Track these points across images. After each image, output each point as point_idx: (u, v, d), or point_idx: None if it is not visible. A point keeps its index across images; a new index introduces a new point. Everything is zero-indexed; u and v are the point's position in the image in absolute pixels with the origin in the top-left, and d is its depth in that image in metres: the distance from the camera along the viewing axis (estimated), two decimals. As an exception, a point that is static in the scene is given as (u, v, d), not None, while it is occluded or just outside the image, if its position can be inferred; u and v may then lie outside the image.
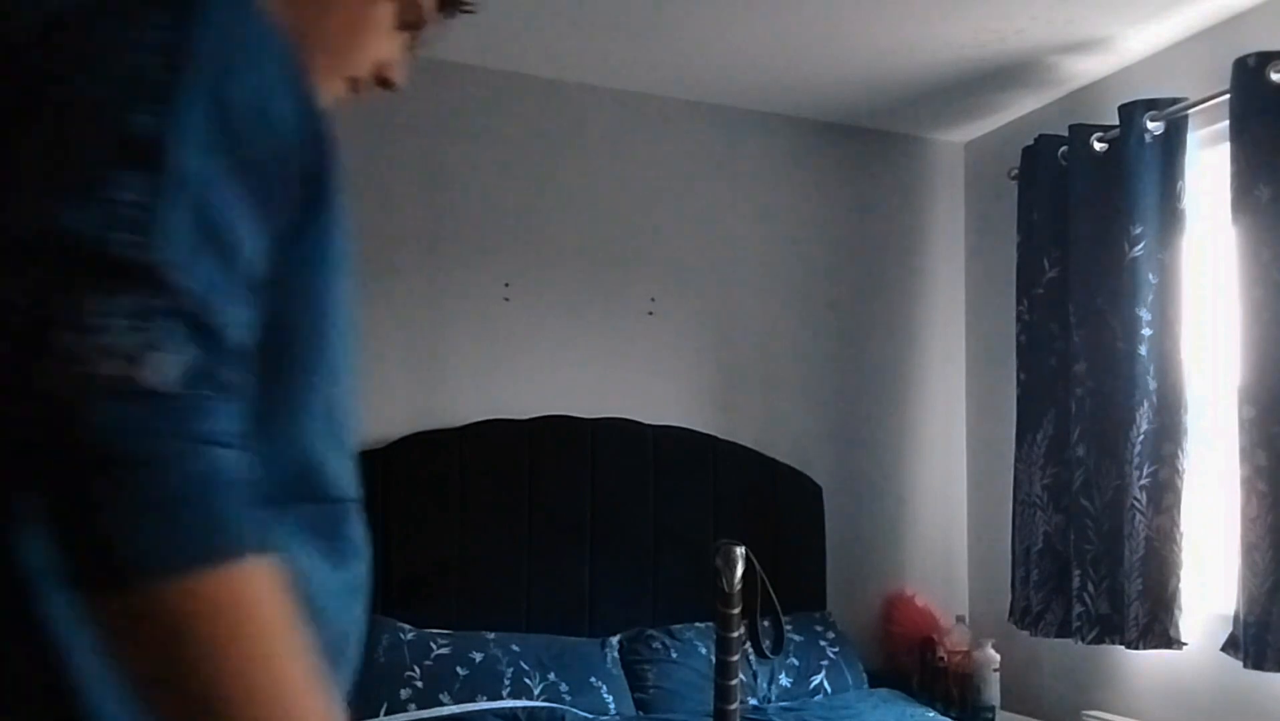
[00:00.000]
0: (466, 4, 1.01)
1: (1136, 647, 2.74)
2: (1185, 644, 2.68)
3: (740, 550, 1.21)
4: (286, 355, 0.75)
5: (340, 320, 0.78)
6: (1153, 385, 2.76)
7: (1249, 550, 2.46)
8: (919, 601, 3.47)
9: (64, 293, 0.59)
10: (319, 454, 0.77)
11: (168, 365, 0.60)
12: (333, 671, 0.77)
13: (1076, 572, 2.89)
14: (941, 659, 3.30)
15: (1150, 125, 2.80)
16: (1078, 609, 2.89)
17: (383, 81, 0.97)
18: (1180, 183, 2.77)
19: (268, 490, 0.71)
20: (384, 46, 0.94)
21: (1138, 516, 2.74)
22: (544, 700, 2.68)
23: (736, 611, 1.22)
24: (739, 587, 1.21)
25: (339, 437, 0.79)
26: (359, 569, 0.82)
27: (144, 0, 0.68)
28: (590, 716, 2.69)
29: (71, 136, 0.64)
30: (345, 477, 0.80)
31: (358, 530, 0.82)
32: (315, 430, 0.77)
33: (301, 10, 0.87)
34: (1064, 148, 3.08)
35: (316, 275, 0.76)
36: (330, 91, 0.92)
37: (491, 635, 2.75)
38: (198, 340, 0.62)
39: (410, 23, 0.95)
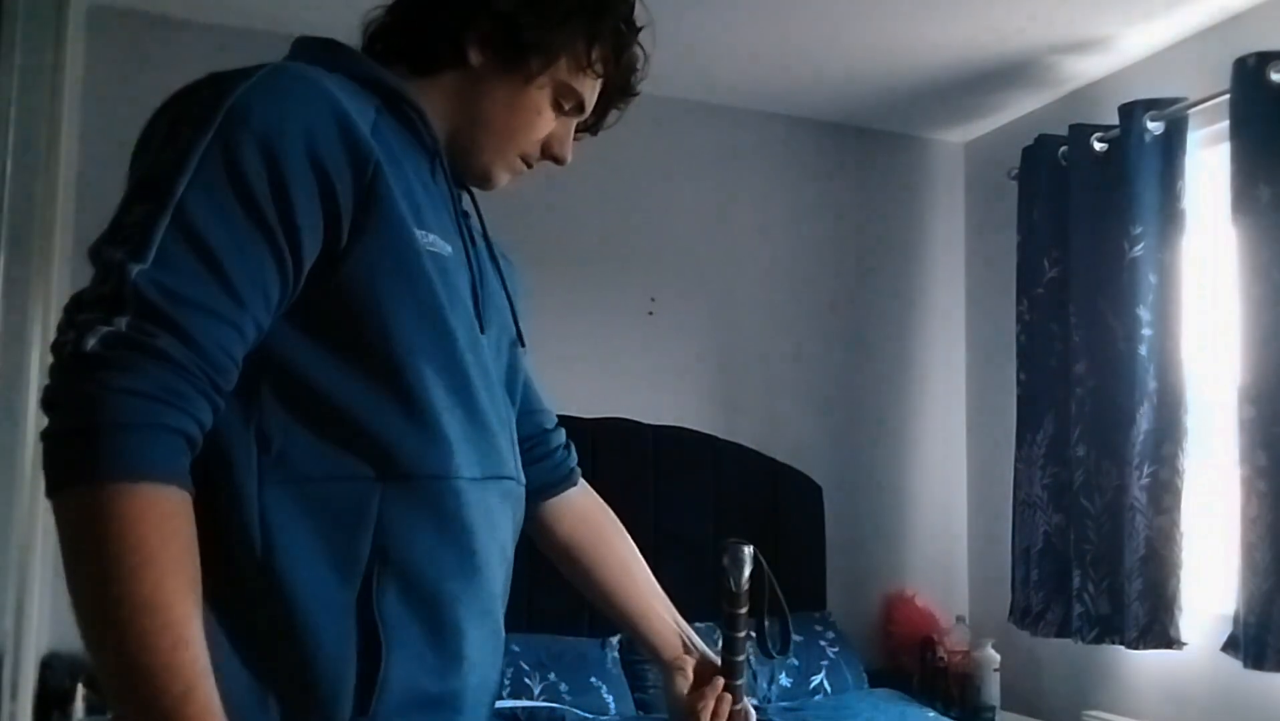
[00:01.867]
0: (632, 91, 1.15)
1: (1136, 647, 2.74)
2: (1185, 644, 2.68)
3: (749, 550, 1.21)
4: (356, 352, 0.90)
5: (412, 320, 0.92)
6: (1153, 385, 2.76)
7: (1249, 550, 2.46)
8: (919, 601, 3.47)
9: (79, 293, 0.81)
10: (396, 436, 0.91)
11: (101, 334, 0.78)
12: (429, 629, 0.91)
13: (1076, 572, 2.89)
14: (941, 659, 3.30)
15: (1150, 125, 2.80)
16: (1078, 609, 2.88)
17: (550, 157, 1.12)
18: (1180, 183, 2.77)
19: (365, 469, 0.89)
20: (547, 127, 1.09)
21: (1138, 516, 2.74)
22: (544, 700, 2.68)
23: (744, 611, 1.21)
24: (746, 587, 1.21)
25: (424, 424, 0.92)
26: (469, 541, 0.95)
27: (198, 86, 0.90)
28: (590, 716, 2.69)
29: (128, 189, 0.87)
30: (433, 457, 0.92)
31: (467, 505, 0.94)
32: (393, 419, 0.91)
33: (461, 99, 1.05)
34: (1064, 148, 3.08)
35: (375, 286, 0.90)
36: (503, 165, 1.09)
37: (491, 635, 2.75)
38: (137, 315, 0.79)
39: (570, 107, 1.09)
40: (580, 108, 1.10)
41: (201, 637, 0.78)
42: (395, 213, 0.91)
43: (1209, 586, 2.73)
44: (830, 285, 3.60)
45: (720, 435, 3.35)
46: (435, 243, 0.95)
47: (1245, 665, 2.43)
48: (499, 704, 2.61)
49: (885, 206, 3.70)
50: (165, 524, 0.77)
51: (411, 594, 0.90)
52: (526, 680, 2.71)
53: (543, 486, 1.25)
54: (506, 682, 2.68)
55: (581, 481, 1.33)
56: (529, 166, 1.12)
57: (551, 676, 2.74)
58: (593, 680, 2.79)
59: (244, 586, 0.86)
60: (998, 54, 3.09)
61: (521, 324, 1.15)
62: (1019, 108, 3.48)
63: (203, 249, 0.82)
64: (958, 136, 3.77)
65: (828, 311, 3.59)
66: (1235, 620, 2.50)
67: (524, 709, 2.62)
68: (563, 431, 1.32)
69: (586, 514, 1.32)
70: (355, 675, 0.87)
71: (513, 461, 1.05)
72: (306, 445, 0.89)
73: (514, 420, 1.10)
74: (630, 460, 3.16)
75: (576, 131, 1.15)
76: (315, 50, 1.01)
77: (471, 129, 1.06)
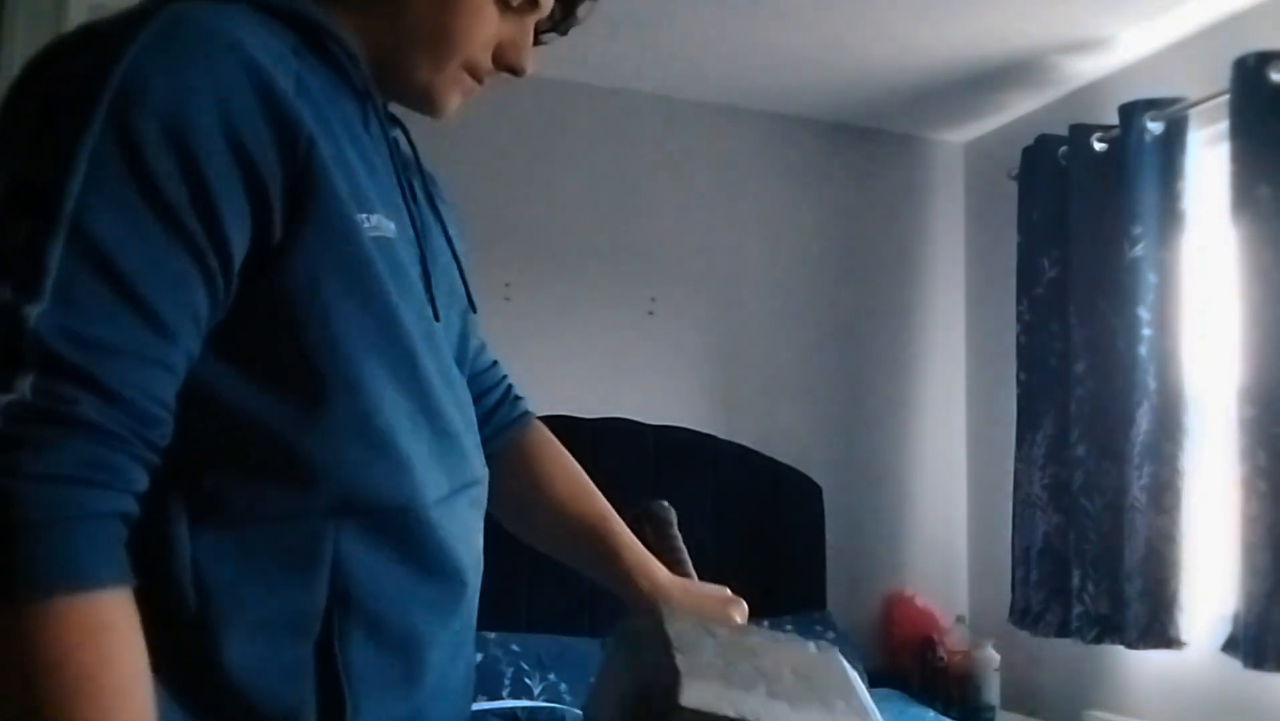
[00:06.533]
0: None
1: (1137, 647, 2.73)
2: (1185, 644, 2.67)
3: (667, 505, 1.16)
4: (297, 369, 0.75)
5: (360, 324, 0.77)
6: (1153, 385, 2.76)
7: (1249, 550, 2.45)
8: (919, 601, 3.46)
9: None
10: (349, 465, 0.77)
11: (2, 406, 0.62)
12: (401, 671, 0.80)
13: (1076, 572, 2.89)
14: (941, 659, 3.30)
15: (1150, 125, 2.80)
16: (1078, 609, 2.88)
17: (506, 66, 0.92)
18: (1180, 183, 2.77)
19: (316, 504, 0.76)
20: (490, 27, 0.89)
21: (1138, 516, 2.74)
22: (544, 700, 2.68)
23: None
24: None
25: (382, 448, 0.79)
26: (443, 570, 0.84)
27: (70, 47, 0.71)
28: (590, 716, 2.69)
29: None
30: (395, 486, 0.79)
31: (438, 532, 0.82)
32: (345, 446, 0.77)
33: (383, 11, 0.86)
34: (1064, 148, 3.08)
35: (317, 289, 0.75)
36: (448, 83, 0.90)
37: (492, 635, 2.75)
38: (44, 374, 0.63)
39: (520, 2, 0.90)
40: (533, 2, 0.91)
41: None
42: (334, 198, 0.75)
43: (1209, 586, 2.73)
44: (830, 285, 3.60)
45: (720, 435, 3.34)
46: (379, 224, 0.79)
47: (1245, 665, 2.43)
48: (499, 704, 2.61)
49: (885, 206, 3.70)
50: (107, 641, 0.63)
51: (381, 638, 0.79)
52: (526, 680, 2.71)
53: (491, 438, 1.13)
54: (506, 683, 2.68)
55: (536, 423, 1.19)
56: (480, 82, 0.92)
57: (551, 676, 2.74)
58: (593, 680, 2.78)
59: (178, 646, 0.72)
60: (998, 54, 3.09)
61: (469, 279, 1.00)
62: (1019, 108, 3.48)
63: (113, 274, 0.66)
64: (958, 136, 3.77)
65: (828, 311, 3.59)
66: (1235, 620, 2.49)
67: (524, 709, 2.62)
68: (500, 372, 1.18)
69: (538, 444, 1.18)
70: None
71: (478, 460, 0.93)
72: (244, 482, 0.74)
73: (471, 403, 0.96)
74: (630, 460, 3.16)
75: (542, 34, 0.96)
76: None
77: (401, 45, 0.87)
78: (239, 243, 0.72)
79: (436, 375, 0.84)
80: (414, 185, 0.91)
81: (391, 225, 0.81)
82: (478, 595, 0.93)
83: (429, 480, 0.82)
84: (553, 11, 0.94)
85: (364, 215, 0.78)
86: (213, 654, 0.73)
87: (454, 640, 0.86)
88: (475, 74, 0.91)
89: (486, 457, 1.03)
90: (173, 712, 0.71)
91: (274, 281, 0.74)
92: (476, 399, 1.09)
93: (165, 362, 0.69)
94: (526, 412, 1.18)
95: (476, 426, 0.96)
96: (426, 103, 0.91)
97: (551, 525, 1.16)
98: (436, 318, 0.87)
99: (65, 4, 2.34)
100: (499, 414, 1.15)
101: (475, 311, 1.01)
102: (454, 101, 0.92)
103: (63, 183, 0.65)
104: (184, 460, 0.72)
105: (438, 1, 0.86)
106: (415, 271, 0.85)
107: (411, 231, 0.86)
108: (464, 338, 0.99)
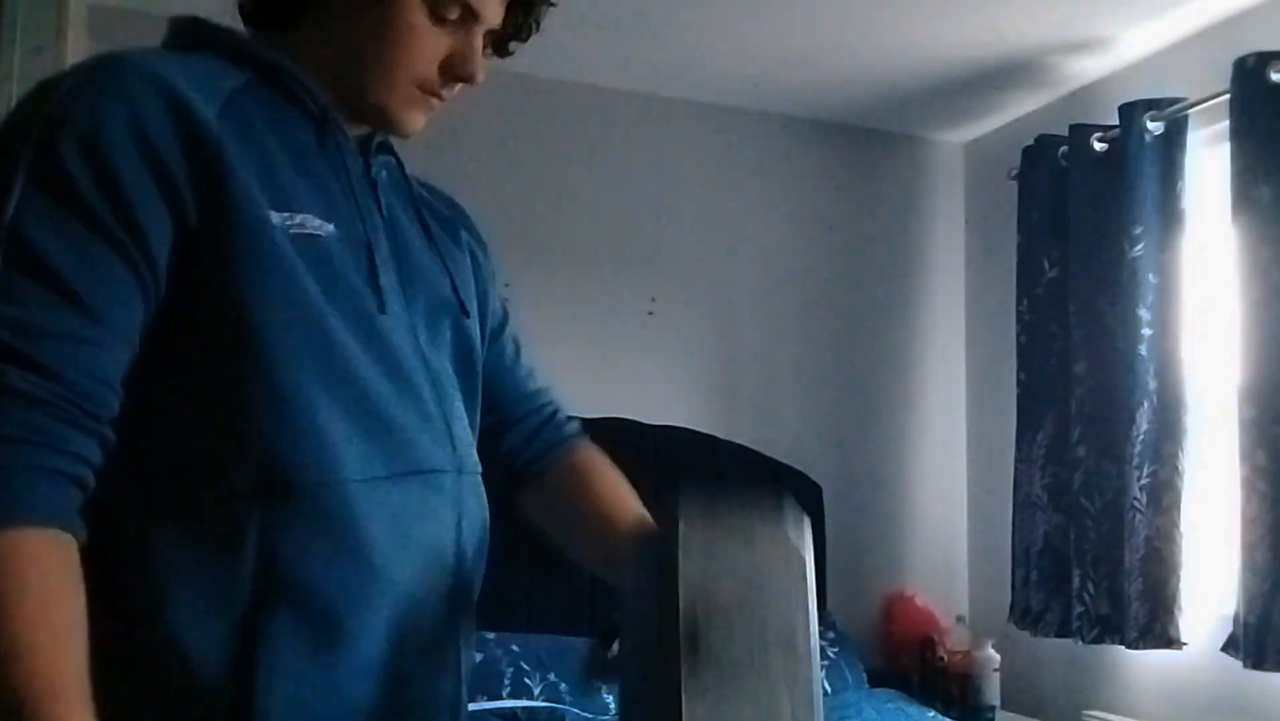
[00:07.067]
0: None
1: (1136, 647, 2.73)
2: (1185, 644, 2.68)
3: None
4: (218, 355, 0.83)
5: (275, 313, 0.84)
6: (1153, 385, 2.76)
7: (1249, 550, 2.45)
8: (919, 601, 3.46)
9: None
10: (270, 446, 0.84)
11: None
12: (324, 648, 0.85)
13: (1076, 572, 2.89)
14: (941, 659, 3.30)
15: (1150, 125, 2.80)
16: (1078, 609, 2.88)
17: (456, 78, 0.96)
18: (1180, 183, 2.77)
19: (240, 486, 0.83)
20: (427, 43, 0.93)
21: (1138, 516, 2.74)
22: (544, 700, 2.68)
23: None
24: None
25: (296, 425, 0.84)
26: (365, 549, 0.87)
27: (26, 96, 0.84)
28: (590, 716, 2.69)
29: None
30: (314, 462, 0.84)
31: (362, 510, 0.86)
32: (262, 424, 0.83)
33: (331, 42, 0.94)
34: (1064, 148, 3.08)
35: (229, 281, 0.83)
36: (400, 101, 0.95)
37: (491, 635, 2.75)
38: None
39: (457, 16, 0.93)
40: (471, 14, 0.94)
41: (80, 688, 0.72)
42: (243, 196, 0.83)
43: (1209, 586, 2.73)
44: (830, 285, 3.60)
45: (720, 435, 3.34)
46: (305, 223, 0.87)
47: (1245, 665, 2.43)
48: (499, 704, 2.61)
49: (885, 206, 3.70)
50: (30, 568, 0.72)
51: (301, 611, 0.84)
52: (526, 680, 2.71)
53: (538, 456, 1.22)
54: (506, 683, 2.68)
55: (584, 443, 1.25)
56: (438, 97, 0.97)
57: (551, 676, 2.73)
58: (593, 680, 2.78)
59: (125, 627, 0.81)
60: (998, 54, 3.09)
61: (462, 289, 1.04)
62: (1019, 108, 3.48)
63: (42, 271, 0.76)
64: (958, 136, 3.77)
65: (827, 311, 3.59)
66: (1235, 620, 2.49)
67: (524, 709, 2.62)
68: (548, 396, 1.27)
69: (582, 460, 1.24)
70: (229, 702, 0.82)
71: (438, 449, 0.94)
72: (175, 467, 0.83)
73: (461, 400, 1.01)
74: (630, 460, 3.13)
75: (500, 45, 1.02)
76: (180, 31, 0.97)
77: (351, 72, 0.94)
78: (158, 236, 0.81)
79: (370, 363, 0.89)
80: (379, 198, 0.98)
81: (330, 226, 0.89)
82: (437, 587, 0.94)
83: (350, 457, 0.86)
84: (512, 16, 1.00)
85: (284, 214, 0.86)
86: (154, 631, 0.81)
87: (386, 615, 0.88)
88: (428, 90, 0.96)
89: (531, 477, 1.18)
90: (102, 685, 0.75)
91: (193, 273, 0.82)
92: (518, 421, 1.21)
93: (98, 343, 0.78)
94: (571, 436, 1.25)
95: (447, 418, 0.97)
96: (387, 123, 0.98)
97: (593, 539, 1.21)
98: (383, 310, 0.92)
99: (65, 4, 2.34)
100: (541, 438, 1.22)
101: (469, 316, 1.05)
102: (413, 119, 0.98)
103: (1, 202, 0.77)
104: (124, 449, 0.80)
105: (373, 27, 0.92)
106: (356, 268, 0.91)
107: (362, 234, 0.93)
108: (463, 345, 1.03)
